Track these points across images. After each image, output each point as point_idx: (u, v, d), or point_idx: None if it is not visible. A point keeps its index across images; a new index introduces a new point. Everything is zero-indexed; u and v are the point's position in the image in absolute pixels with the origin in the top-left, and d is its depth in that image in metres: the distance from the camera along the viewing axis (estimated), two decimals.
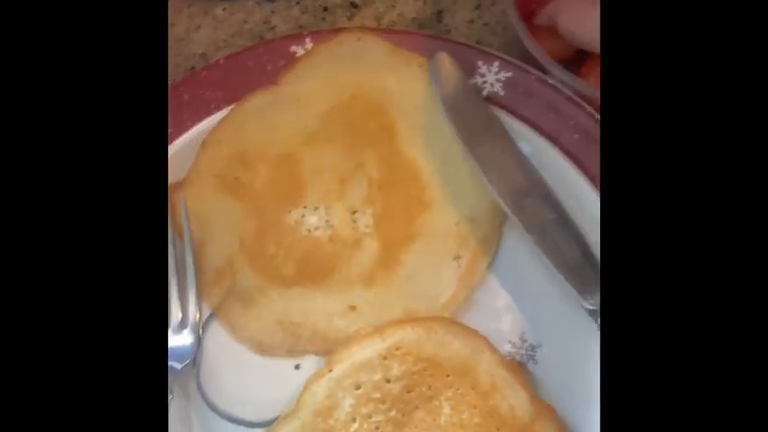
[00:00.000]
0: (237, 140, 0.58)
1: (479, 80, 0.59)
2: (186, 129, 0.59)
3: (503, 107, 0.58)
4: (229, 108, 0.59)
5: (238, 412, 0.52)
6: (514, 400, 0.50)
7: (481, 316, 0.54)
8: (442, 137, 0.57)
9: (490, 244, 0.56)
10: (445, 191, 0.57)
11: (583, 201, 0.54)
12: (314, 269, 0.55)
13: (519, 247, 0.55)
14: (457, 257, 0.55)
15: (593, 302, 0.50)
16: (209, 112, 0.59)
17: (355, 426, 0.50)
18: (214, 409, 0.52)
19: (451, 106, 0.56)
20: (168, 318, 0.52)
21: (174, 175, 0.57)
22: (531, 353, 0.53)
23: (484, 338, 0.52)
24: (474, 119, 0.56)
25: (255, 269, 0.55)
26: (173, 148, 0.58)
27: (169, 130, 0.58)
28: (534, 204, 0.53)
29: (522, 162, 0.55)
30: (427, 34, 0.62)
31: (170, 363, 0.52)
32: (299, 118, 0.59)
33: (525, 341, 0.53)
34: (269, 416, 0.52)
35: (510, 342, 0.53)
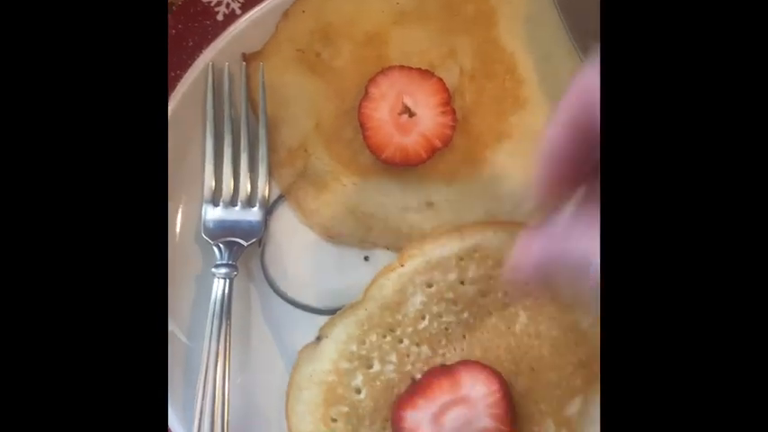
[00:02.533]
0: (322, 13, 0.53)
1: None
2: None
3: None
4: None
5: (301, 297, 0.50)
6: (596, 318, 0.47)
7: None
8: (547, 29, 0.52)
9: None
10: (543, 89, 0.52)
11: None
12: None
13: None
14: None
15: None
16: None
17: (424, 323, 0.47)
18: (276, 291, 0.51)
19: None
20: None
21: (250, 45, 0.53)
22: None
23: None
24: (590, 14, 0.50)
25: (330, 153, 0.52)
26: (251, 15, 0.54)
27: None
28: None
29: None
30: None
31: (236, 239, 0.50)
32: None
33: None
34: (332, 304, 0.50)
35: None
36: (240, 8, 0.54)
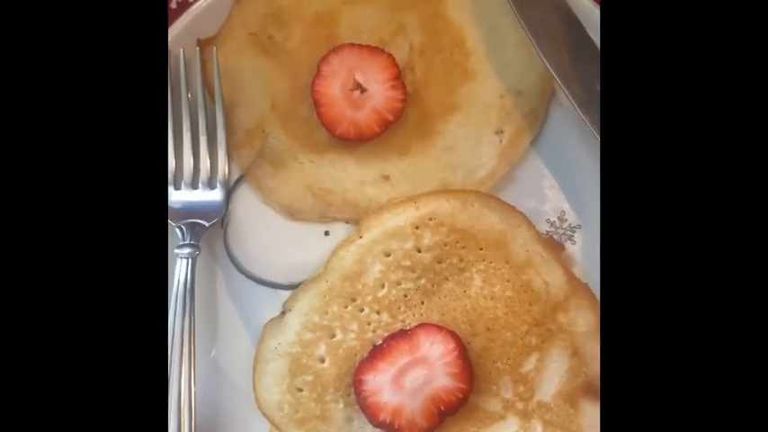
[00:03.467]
0: None
1: None
2: None
3: None
4: None
5: (265, 274, 0.52)
6: (549, 276, 0.48)
7: (520, 193, 0.51)
8: (492, 1, 0.53)
9: (535, 119, 0.52)
10: (491, 60, 0.53)
11: None
12: None
13: (566, 124, 0.52)
14: (499, 132, 0.52)
15: None
16: None
17: (383, 291, 0.49)
18: (240, 269, 0.52)
19: None
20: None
21: (205, 30, 0.54)
22: (569, 233, 0.51)
23: (521, 214, 0.50)
24: None
25: (287, 132, 0.53)
26: (204, 3, 0.55)
27: None
28: (586, 74, 0.49)
29: (575, 28, 0.51)
30: None
31: (198, 220, 0.51)
32: None
33: (565, 221, 0.51)
34: (295, 279, 0.51)
35: (549, 221, 0.51)
36: None
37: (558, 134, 0.52)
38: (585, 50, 0.50)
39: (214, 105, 0.53)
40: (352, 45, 0.52)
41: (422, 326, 0.46)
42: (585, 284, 0.48)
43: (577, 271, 0.50)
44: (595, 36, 0.51)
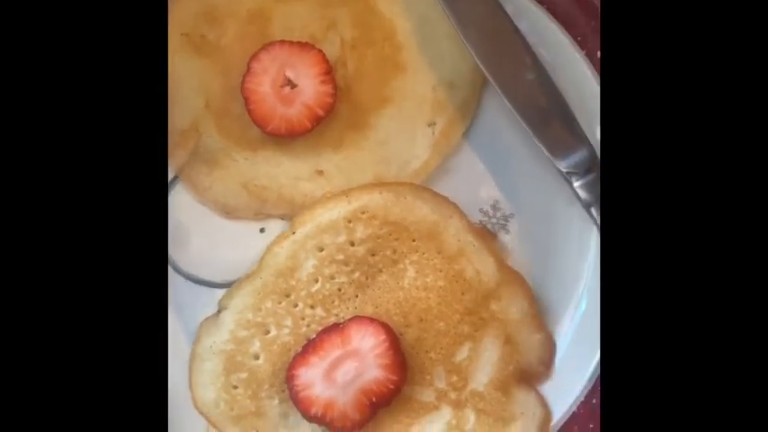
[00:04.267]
0: None
1: None
2: None
3: None
4: None
5: (201, 273, 0.51)
6: (481, 265, 0.48)
7: (454, 183, 0.52)
8: None
9: (467, 110, 0.53)
10: (423, 53, 0.53)
11: (565, 59, 0.51)
12: None
13: (497, 114, 0.52)
14: (432, 124, 0.52)
15: (567, 165, 0.47)
16: None
17: (317, 286, 0.49)
18: (177, 269, 0.52)
19: None
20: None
21: None
22: (503, 222, 0.51)
23: (453, 205, 0.50)
24: None
25: (221, 130, 0.53)
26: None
27: None
28: (513, 64, 0.49)
29: (502, 18, 0.51)
30: None
31: None
32: None
33: (498, 210, 0.51)
34: (232, 277, 0.51)
35: (482, 211, 0.51)
36: None
37: (490, 124, 0.53)
38: (513, 42, 0.51)
39: None
40: (283, 42, 0.52)
41: (354, 319, 0.46)
42: (517, 273, 0.49)
43: (512, 260, 0.50)
44: (525, 29, 0.51)
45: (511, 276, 0.48)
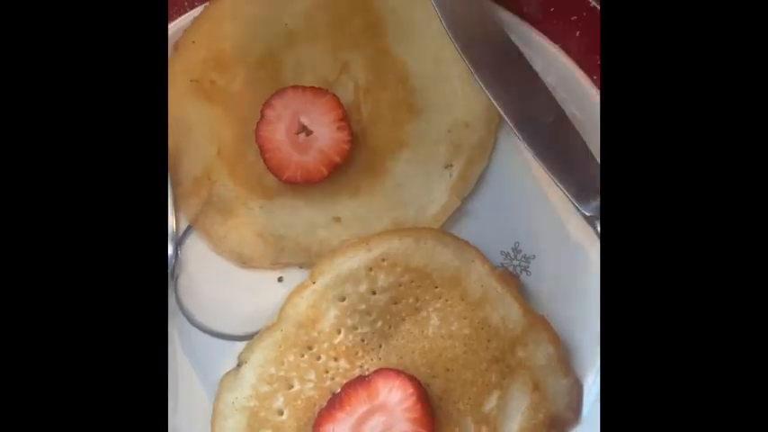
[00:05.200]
0: (213, 41, 0.54)
1: None
2: None
3: (498, 1, 0.53)
4: (203, 6, 0.54)
5: (219, 326, 0.50)
6: (506, 311, 0.48)
7: (473, 226, 0.51)
8: (433, 35, 0.53)
9: (484, 151, 0.52)
10: (436, 94, 0.53)
11: (584, 102, 0.51)
12: None
13: (514, 154, 0.52)
14: (448, 166, 0.52)
15: (591, 208, 0.47)
16: (181, 11, 0.54)
17: (340, 338, 0.48)
18: (194, 323, 0.50)
19: (443, 1, 0.51)
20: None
21: None
22: (524, 264, 0.51)
23: (475, 249, 0.49)
24: (468, 14, 0.51)
25: (235, 178, 0.52)
26: None
27: None
28: (530, 106, 0.49)
29: (518, 61, 0.51)
30: None
31: None
32: (278, 16, 0.54)
33: (519, 252, 0.51)
34: (250, 329, 0.50)
35: (503, 253, 0.51)
36: None
37: (507, 164, 0.52)
38: (528, 81, 0.50)
39: None
40: (296, 87, 0.51)
41: (380, 372, 0.45)
42: (542, 317, 0.48)
43: (534, 302, 0.50)
44: (540, 69, 0.51)
45: (536, 321, 0.48)
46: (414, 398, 0.44)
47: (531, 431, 0.46)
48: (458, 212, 0.51)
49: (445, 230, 0.50)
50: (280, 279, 0.51)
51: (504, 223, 0.51)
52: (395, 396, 0.44)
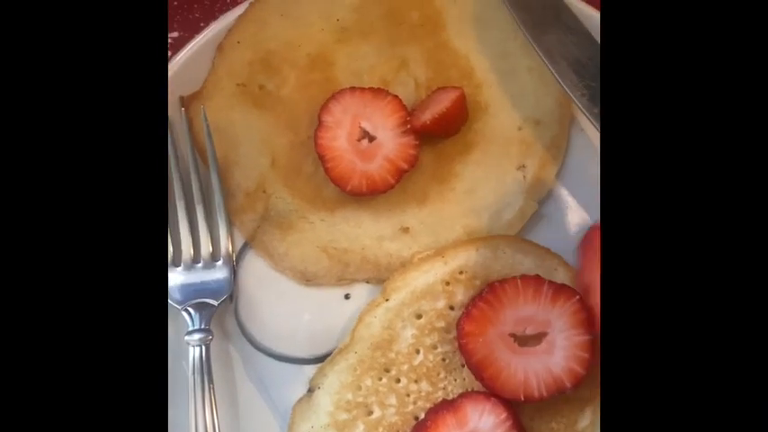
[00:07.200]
0: (259, 41, 0.50)
1: None
2: (198, 30, 0.50)
3: None
4: (248, 3, 0.50)
5: (285, 349, 0.47)
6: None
7: (552, 231, 0.48)
8: (498, 25, 0.49)
9: (558, 149, 0.49)
10: (504, 90, 0.49)
11: None
12: None
13: (590, 151, 0.49)
14: (521, 167, 0.48)
15: None
16: (223, 8, 0.50)
17: (419, 358, 0.45)
18: (258, 346, 0.47)
19: None
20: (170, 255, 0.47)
21: (188, 85, 0.49)
22: None
23: (557, 256, 0.46)
24: (538, 2, 0.47)
25: (292, 191, 0.49)
26: (184, 55, 0.50)
27: (178, 34, 0.50)
28: None
29: (592, 48, 0.47)
30: None
31: (206, 300, 0.46)
32: (329, 10, 0.50)
33: None
34: (319, 351, 0.47)
35: None
36: (170, 48, 0.50)
37: (583, 162, 0.49)
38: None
39: (207, 169, 0.48)
40: (354, 89, 0.47)
41: (467, 395, 0.43)
42: None
43: None
44: None
45: None
46: (508, 423, 0.41)
47: None
48: (535, 217, 0.48)
49: (523, 237, 0.47)
50: (347, 296, 0.48)
51: (584, 226, 0.48)
52: (487, 422, 0.41)
